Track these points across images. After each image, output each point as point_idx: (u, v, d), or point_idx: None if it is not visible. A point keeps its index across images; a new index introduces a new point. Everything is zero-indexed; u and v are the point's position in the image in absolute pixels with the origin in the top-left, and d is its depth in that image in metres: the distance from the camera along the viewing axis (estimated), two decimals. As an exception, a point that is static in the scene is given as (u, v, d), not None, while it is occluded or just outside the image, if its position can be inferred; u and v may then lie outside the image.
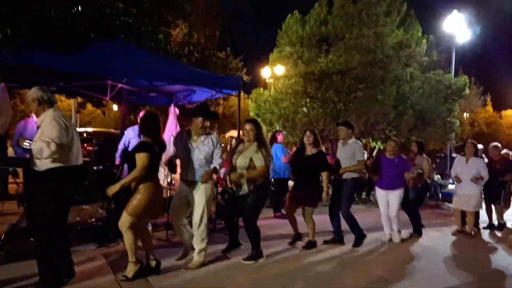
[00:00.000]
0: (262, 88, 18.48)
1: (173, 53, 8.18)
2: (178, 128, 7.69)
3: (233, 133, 14.87)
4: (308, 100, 16.22)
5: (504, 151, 8.49)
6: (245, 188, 4.53)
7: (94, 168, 5.77)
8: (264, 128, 17.12)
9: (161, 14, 8.49)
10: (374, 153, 15.73)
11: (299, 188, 5.45)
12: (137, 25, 7.46)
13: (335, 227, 5.80)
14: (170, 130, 7.77)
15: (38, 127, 3.58)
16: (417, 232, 6.62)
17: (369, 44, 15.46)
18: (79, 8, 6.79)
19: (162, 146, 4.10)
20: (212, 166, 4.31)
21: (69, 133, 3.51)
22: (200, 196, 4.30)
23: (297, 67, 16.62)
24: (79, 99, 9.90)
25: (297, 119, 16.03)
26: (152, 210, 4.00)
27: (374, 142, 17.62)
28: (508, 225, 7.92)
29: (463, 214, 6.93)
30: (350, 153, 5.57)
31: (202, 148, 4.34)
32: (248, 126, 4.61)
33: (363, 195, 11.29)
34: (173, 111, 8.01)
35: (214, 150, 4.35)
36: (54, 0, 6.03)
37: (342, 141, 5.81)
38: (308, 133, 5.41)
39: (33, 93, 3.58)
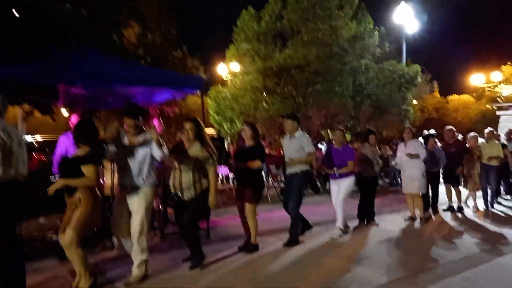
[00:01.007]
0: (220, 85, 18.35)
1: (128, 55, 7.87)
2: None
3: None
4: (267, 95, 16.29)
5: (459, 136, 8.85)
6: (191, 193, 4.26)
7: (51, 178, 5.43)
8: (225, 126, 17.13)
9: (112, 15, 8.15)
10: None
11: (239, 184, 5.24)
12: (88, 27, 7.10)
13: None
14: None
15: None
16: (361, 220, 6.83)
17: (325, 38, 15.73)
18: (23, 15, 6.37)
19: (102, 152, 3.93)
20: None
21: (6, 147, 3.20)
22: (139, 202, 4.02)
23: (255, 63, 16.65)
24: (26, 107, 9.34)
25: (258, 115, 16.07)
26: (93, 221, 3.85)
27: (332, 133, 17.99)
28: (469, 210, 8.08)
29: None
30: (298, 146, 5.40)
31: (138, 150, 4.07)
32: (188, 125, 4.35)
33: (328, 185, 11.41)
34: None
35: (152, 152, 4.09)
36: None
37: (289, 135, 5.60)
38: (244, 126, 5.25)
39: None
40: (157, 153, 4.06)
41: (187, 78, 6.99)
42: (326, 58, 15.69)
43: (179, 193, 4.27)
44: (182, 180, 4.23)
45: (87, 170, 3.59)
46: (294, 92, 15.77)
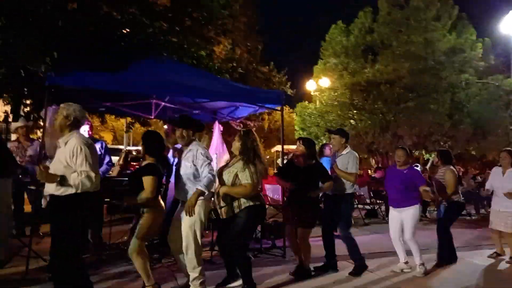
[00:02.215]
0: (306, 101, 18.20)
1: (216, 69, 8.13)
2: (223, 145, 7.56)
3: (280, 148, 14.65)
4: (355, 111, 15.72)
5: None
6: (229, 211, 3.89)
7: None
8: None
9: (202, 32, 8.51)
10: (428, 166, 14.81)
11: (292, 207, 4.73)
12: (180, 43, 7.49)
13: (327, 250, 4.96)
14: (215, 147, 7.64)
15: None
16: (441, 261, 5.40)
17: (418, 51, 14.76)
18: (124, 29, 6.94)
19: (166, 165, 3.92)
20: (197, 187, 3.70)
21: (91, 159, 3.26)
22: (187, 218, 3.77)
23: (343, 79, 16.22)
24: (129, 119, 10.18)
25: (344, 131, 15.55)
26: (154, 232, 3.88)
27: (428, 154, 16.69)
28: None
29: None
30: (343, 165, 4.85)
31: (184, 163, 3.88)
32: (236, 138, 4.02)
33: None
34: (217, 127, 7.90)
35: (196, 165, 3.80)
36: (99, 23, 6.15)
37: (337, 152, 5.05)
38: (298, 142, 4.79)
39: (68, 109, 3.33)
40: (203, 180, 3.75)
41: (269, 93, 6.93)
42: (420, 72, 14.68)
43: (218, 210, 3.99)
44: (222, 196, 3.93)
45: (146, 181, 3.62)
46: (384, 109, 14.97)
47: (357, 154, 5.09)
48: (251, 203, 3.87)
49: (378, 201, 10.00)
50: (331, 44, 17.06)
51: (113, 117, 16.04)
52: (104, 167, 5.43)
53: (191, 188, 3.80)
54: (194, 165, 3.81)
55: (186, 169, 3.84)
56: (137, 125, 10.88)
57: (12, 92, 5.59)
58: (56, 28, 5.16)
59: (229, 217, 3.89)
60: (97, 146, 5.55)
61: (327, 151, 7.44)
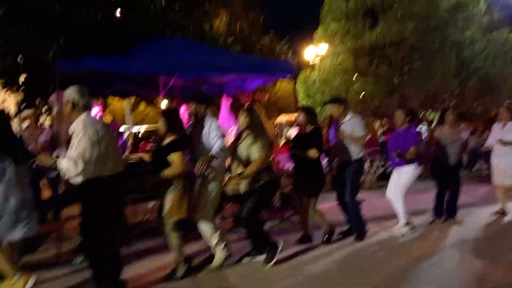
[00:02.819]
0: (309, 69, 17.96)
1: (218, 44, 7.99)
2: (231, 119, 7.52)
3: (282, 118, 14.55)
4: (359, 77, 15.52)
5: None
6: (245, 186, 3.98)
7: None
8: (316, 110, 16.76)
9: (203, 6, 8.32)
10: (433, 126, 14.63)
11: (297, 175, 4.80)
12: (181, 20, 7.34)
13: (347, 215, 5.05)
14: (223, 121, 7.61)
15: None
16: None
17: (421, 11, 14.40)
18: (124, 12, 6.80)
19: (187, 142, 3.91)
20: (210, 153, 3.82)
21: (102, 143, 3.15)
22: (204, 190, 3.97)
23: (345, 44, 15.93)
24: (132, 100, 10.13)
25: (350, 97, 15.39)
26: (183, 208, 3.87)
27: (432, 114, 16.57)
28: None
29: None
30: (349, 131, 4.82)
31: (204, 137, 3.99)
32: (242, 115, 4.09)
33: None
34: (225, 101, 7.84)
35: (209, 135, 3.92)
36: (100, 8, 6.03)
37: (340, 120, 4.99)
38: (298, 112, 4.80)
39: (69, 94, 3.22)
40: (216, 148, 3.86)
41: (279, 63, 6.87)
42: (424, 32, 14.38)
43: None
44: (238, 171, 4.02)
45: (174, 157, 3.63)
46: (389, 72, 14.76)
47: (360, 117, 5.08)
48: (267, 178, 4.00)
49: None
50: (331, 8, 16.65)
51: (115, 99, 15.98)
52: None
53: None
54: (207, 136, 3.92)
55: (201, 142, 3.93)
56: (142, 105, 10.87)
57: (24, 81, 5.57)
58: (60, 15, 5.05)
59: (245, 192, 3.98)
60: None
61: None
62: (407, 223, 5.05)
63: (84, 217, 3.27)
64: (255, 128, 4.02)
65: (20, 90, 5.96)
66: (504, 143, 5.60)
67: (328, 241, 4.73)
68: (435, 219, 5.62)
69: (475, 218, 5.80)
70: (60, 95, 5.21)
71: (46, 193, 6.16)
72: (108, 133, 3.29)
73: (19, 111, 5.98)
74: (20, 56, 5.06)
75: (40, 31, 4.42)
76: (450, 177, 5.62)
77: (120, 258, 3.51)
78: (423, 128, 11.88)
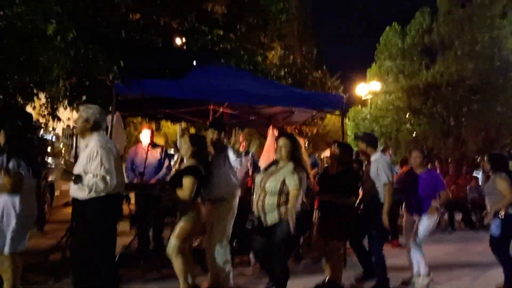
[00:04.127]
0: (360, 105, 17.72)
1: (272, 75, 8.11)
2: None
3: (327, 153, 14.34)
4: (412, 116, 15.04)
5: None
6: (275, 217, 3.61)
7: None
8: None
9: (258, 37, 8.53)
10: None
11: (323, 217, 4.42)
12: (236, 49, 7.54)
13: (361, 259, 4.66)
14: (268, 152, 7.61)
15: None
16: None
17: (484, 50, 13.84)
18: (182, 38, 7.11)
19: (202, 172, 3.90)
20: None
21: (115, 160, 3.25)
22: (218, 215, 4.03)
23: (399, 82, 15.59)
24: (183, 125, 10.45)
25: (401, 136, 14.91)
26: (196, 232, 3.96)
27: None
28: None
29: None
30: (374, 172, 4.41)
31: (218, 162, 4.07)
32: (281, 142, 3.74)
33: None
34: (272, 133, 7.87)
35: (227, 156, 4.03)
36: (158, 33, 6.35)
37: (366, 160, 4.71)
38: (333, 146, 4.44)
39: (86, 112, 3.30)
40: (233, 159, 4.01)
41: (328, 97, 6.81)
42: (486, 73, 13.75)
43: (262, 217, 3.69)
44: (265, 202, 3.65)
45: (185, 181, 3.66)
46: (444, 113, 14.18)
47: (388, 160, 4.69)
48: (298, 210, 3.61)
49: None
50: (386, 46, 16.48)
51: (168, 122, 16.59)
52: (164, 171, 5.63)
53: (220, 185, 3.98)
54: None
55: (217, 168, 4.00)
56: (192, 130, 11.15)
57: (84, 100, 5.92)
58: (121, 38, 5.38)
59: (272, 225, 3.62)
60: (158, 151, 5.73)
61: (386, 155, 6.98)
62: (429, 275, 4.54)
63: (84, 234, 3.30)
64: (296, 157, 3.70)
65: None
66: None
67: None
68: None
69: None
70: (116, 115, 5.50)
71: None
72: (118, 153, 3.39)
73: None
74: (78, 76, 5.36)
75: (105, 53, 4.71)
76: None
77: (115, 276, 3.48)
78: (479, 175, 11.18)
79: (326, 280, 4.35)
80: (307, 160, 3.90)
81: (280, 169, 3.71)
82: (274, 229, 3.59)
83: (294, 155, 3.68)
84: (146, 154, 5.37)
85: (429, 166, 5.94)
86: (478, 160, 15.36)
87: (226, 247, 4.06)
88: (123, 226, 7.05)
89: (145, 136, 5.68)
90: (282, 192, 3.61)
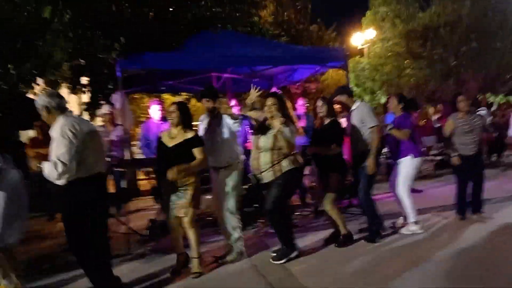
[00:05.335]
0: (358, 56, 17.48)
1: (269, 35, 7.96)
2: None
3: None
4: (412, 60, 14.87)
5: None
6: (270, 175, 3.86)
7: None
8: (366, 99, 16.33)
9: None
10: (493, 109, 13.59)
11: (317, 170, 4.53)
12: (230, 12, 7.37)
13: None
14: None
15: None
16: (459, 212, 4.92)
17: (480, -13, 13.51)
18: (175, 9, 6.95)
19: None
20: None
21: (82, 143, 3.07)
22: (222, 181, 4.05)
23: (396, 27, 15.30)
24: (184, 96, 10.33)
25: (403, 82, 14.82)
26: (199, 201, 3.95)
27: (493, 96, 15.52)
28: None
29: None
30: (358, 121, 4.37)
31: (216, 130, 4.07)
32: (269, 101, 3.90)
33: (493, 156, 9.70)
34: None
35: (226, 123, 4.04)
36: (153, 6, 6.22)
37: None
38: (319, 102, 4.41)
39: (40, 101, 3.16)
40: (231, 123, 4.02)
41: (330, 52, 6.72)
42: (483, 10, 13.46)
43: (258, 174, 3.95)
44: (261, 159, 3.91)
45: (201, 152, 3.68)
46: (444, 54, 14.01)
47: (369, 105, 4.69)
48: (292, 166, 3.87)
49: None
50: (381, -9, 16.05)
51: (168, 95, 16.42)
52: None
53: (224, 151, 4.01)
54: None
55: (218, 136, 4.02)
56: (193, 101, 11.05)
57: (88, 82, 5.91)
58: (119, 16, 5.28)
59: (269, 181, 3.89)
60: (165, 126, 5.74)
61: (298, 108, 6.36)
62: (416, 222, 4.55)
63: (65, 219, 3.25)
64: (285, 113, 3.90)
65: (85, 91, 6.32)
66: None
67: (340, 245, 4.27)
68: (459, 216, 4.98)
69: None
70: (122, 93, 5.48)
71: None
72: (90, 132, 3.22)
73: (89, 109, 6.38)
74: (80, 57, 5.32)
75: (104, 32, 4.65)
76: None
77: (106, 257, 3.44)
78: (483, 113, 11.19)
79: (332, 233, 4.45)
80: (294, 116, 4.11)
81: (270, 126, 3.89)
82: (270, 185, 3.87)
83: (283, 112, 3.88)
84: (160, 128, 5.41)
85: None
86: (479, 98, 15.33)
87: (234, 212, 4.09)
88: (145, 200, 7.24)
89: (155, 111, 5.70)
90: (275, 147, 3.84)
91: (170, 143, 3.73)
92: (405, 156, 4.57)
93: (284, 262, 3.89)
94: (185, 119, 3.77)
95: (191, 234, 3.73)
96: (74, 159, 2.99)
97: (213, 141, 4.07)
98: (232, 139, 4.11)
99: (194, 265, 3.75)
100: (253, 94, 4.11)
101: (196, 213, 3.79)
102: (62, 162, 2.94)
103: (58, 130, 3.04)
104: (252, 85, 4.26)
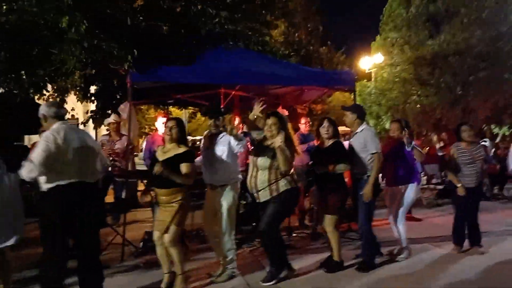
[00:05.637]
0: (365, 79, 17.59)
1: (280, 54, 8.04)
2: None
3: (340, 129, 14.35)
4: (419, 87, 14.93)
5: None
6: (266, 194, 3.85)
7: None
8: (371, 123, 16.35)
9: (264, 16, 8.42)
10: (497, 140, 13.56)
11: (318, 191, 4.49)
12: (243, 30, 7.47)
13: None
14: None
15: None
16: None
17: (491, 17, 13.60)
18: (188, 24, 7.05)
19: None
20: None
21: (64, 149, 3.10)
22: (220, 201, 3.99)
23: (404, 53, 15.42)
24: (190, 110, 10.42)
25: (408, 109, 14.86)
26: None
27: (497, 128, 15.52)
28: None
29: None
30: (360, 144, 4.29)
31: (216, 148, 4.02)
32: (270, 120, 3.88)
33: (494, 190, 9.66)
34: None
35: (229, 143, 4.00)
36: (167, 20, 6.32)
37: (352, 131, 4.61)
38: (325, 122, 4.36)
39: (40, 110, 3.28)
40: (234, 145, 3.95)
41: (339, 75, 6.76)
42: (493, 40, 13.54)
43: (255, 193, 3.93)
44: (258, 178, 3.87)
45: (188, 168, 3.62)
46: (452, 82, 14.06)
47: (374, 130, 4.59)
48: (289, 186, 3.84)
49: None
50: (391, 17, 16.22)
51: (175, 108, 16.57)
52: None
53: (221, 170, 3.97)
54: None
55: (218, 154, 3.98)
56: (198, 115, 11.14)
57: (97, 91, 5.98)
58: (129, 27, 5.36)
59: (265, 201, 3.85)
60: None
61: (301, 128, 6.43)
62: (405, 247, 4.55)
63: (40, 225, 3.33)
64: (285, 128, 3.88)
65: (94, 100, 6.39)
66: None
67: (329, 271, 4.20)
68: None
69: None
70: (130, 104, 5.54)
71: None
72: (80, 143, 3.24)
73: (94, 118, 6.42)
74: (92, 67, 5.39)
75: (119, 44, 4.72)
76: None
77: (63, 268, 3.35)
78: (486, 144, 11.16)
79: (327, 257, 4.37)
80: (294, 136, 4.06)
81: (270, 145, 3.86)
82: (266, 205, 3.84)
83: (283, 126, 3.87)
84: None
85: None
86: (484, 129, 15.33)
87: (229, 235, 4.03)
88: (145, 213, 7.21)
89: (160, 122, 5.74)
90: (273, 166, 3.81)
91: (162, 157, 3.72)
92: (411, 181, 4.55)
93: (275, 283, 3.84)
94: (180, 135, 3.78)
95: (173, 252, 3.65)
96: (44, 163, 3.01)
97: (211, 158, 4.05)
98: (231, 159, 4.07)
99: (177, 282, 3.68)
100: (257, 109, 4.07)
101: (179, 232, 3.69)
102: (32, 161, 3.01)
103: (45, 134, 3.17)
104: (256, 99, 4.27)
